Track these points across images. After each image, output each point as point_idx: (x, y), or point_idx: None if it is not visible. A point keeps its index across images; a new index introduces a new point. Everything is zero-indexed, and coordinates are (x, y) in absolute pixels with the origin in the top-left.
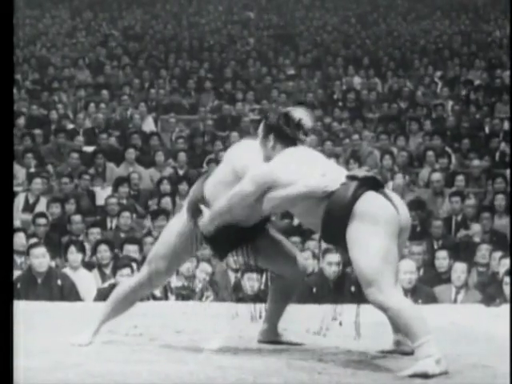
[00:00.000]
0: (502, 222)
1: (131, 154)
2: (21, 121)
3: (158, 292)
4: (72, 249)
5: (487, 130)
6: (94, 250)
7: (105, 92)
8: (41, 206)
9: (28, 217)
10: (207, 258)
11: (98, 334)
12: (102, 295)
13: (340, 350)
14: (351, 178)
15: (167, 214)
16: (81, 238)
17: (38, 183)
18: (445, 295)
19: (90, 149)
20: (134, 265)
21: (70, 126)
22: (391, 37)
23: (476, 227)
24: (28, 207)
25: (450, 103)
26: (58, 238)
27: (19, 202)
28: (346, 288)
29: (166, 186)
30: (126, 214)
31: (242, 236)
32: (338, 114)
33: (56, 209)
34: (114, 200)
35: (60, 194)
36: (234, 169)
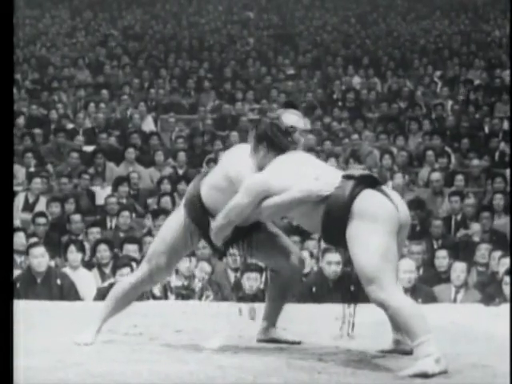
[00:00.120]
0: (501, 222)
1: (131, 153)
2: (21, 120)
3: (157, 291)
4: (72, 248)
5: (487, 129)
6: (94, 250)
7: (104, 92)
8: (40, 206)
9: (28, 216)
10: (207, 258)
11: (99, 333)
12: (102, 295)
13: (340, 350)
14: (348, 177)
15: (167, 214)
16: (80, 237)
17: (37, 183)
18: (444, 295)
19: (89, 148)
20: (134, 264)
21: (70, 126)
22: (391, 37)
23: (475, 227)
24: (28, 207)
25: (450, 103)
26: (57, 238)
27: (19, 201)
28: (345, 288)
29: (166, 186)
30: (126, 213)
31: (240, 233)
32: (338, 114)
33: (56, 208)
34: (113, 199)
35: (60, 193)
36: (228, 175)
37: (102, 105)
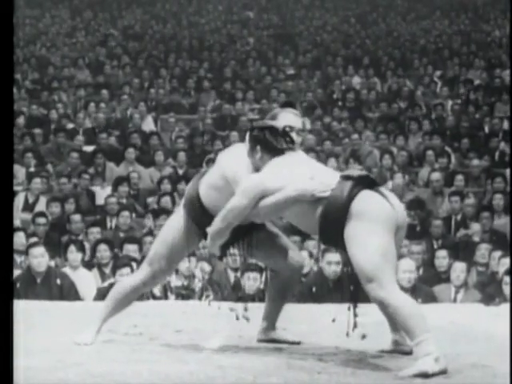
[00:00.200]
0: (501, 222)
1: (131, 153)
2: (21, 120)
3: (157, 291)
4: (72, 248)
5: (487, 129)
6: (94, 250)
7: (105, 92)
8: (40, 206)
9: (28, 216)
10: (207, 258)
11: (99, 333)
12: (102, 295)
13: (340, 350)
14: (346, 177)
15: (168, 214)
16: (80, 237)
17: (37, 183)
18: (444, 294)
19: (89, 148)
20: (134, 264)
21: (70, 126)
22: (391, 37)
23: (475, 227)
24: (28, 207)
25: (450, 103)
26: (57, 238)
27: (19, 201)
28: (345, 287)
29: (166, 186)
30: (126, 213)
31: (239, 232)
32: (338, 114)
33: (56, 208)
34: (113, 199)
35: (60, 193)
36: (224, 175)
37: (102, 105)
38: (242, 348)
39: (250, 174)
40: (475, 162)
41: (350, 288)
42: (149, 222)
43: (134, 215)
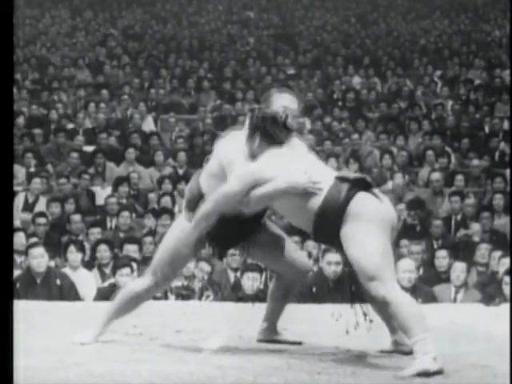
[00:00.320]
0: (501, 222)
1: (131, 153)
2: (21, 120)
3: None
4: (72, 248)
5: (487, 129)
6: (94, 250)
7: (105, 92)
8: (40, 206)
9: (28, 216)
10: (206, 258)
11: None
12: (102, 295)
13: (339, 350)
14: (342, 179)
15: (170, 213)
16: (80, 237)
17: (37, 183)
18: (444, 294)
19: (89, 148)
20: (134, 264)
21: (70, 126)
22: (391, 36)
23: (475, 227)
24: (28, 207)
25: (450, 103)
26: (57, 238)
27: (19, 201)
28: (345, 287)
29: (167, 186)
30: (126, 213)
31: (241, 233)
32: (338, 114)
33: (56, 208)
34: (113, 200)
35: (60, 193)
36: (221, 162)
37: (102, 105)
38: (241, 348)
39: (246, 162)
40: (475, 162)
41: (351, 288)
42: (149, 222)
43: (134, 215)
